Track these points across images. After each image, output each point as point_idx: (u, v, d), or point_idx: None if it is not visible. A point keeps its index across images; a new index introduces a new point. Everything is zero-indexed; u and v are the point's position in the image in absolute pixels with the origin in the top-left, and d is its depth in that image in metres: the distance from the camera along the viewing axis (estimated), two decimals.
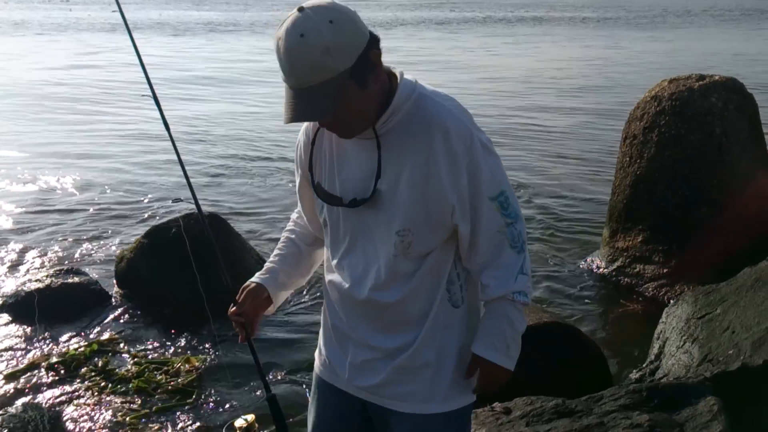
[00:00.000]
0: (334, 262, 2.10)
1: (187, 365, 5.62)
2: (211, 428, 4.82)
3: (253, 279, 2.26)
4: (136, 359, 5.78)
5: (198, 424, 4.89)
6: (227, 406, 5.12)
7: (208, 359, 5.76)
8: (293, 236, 2.34)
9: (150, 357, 5.86)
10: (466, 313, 2.07)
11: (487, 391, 2.06)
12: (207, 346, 5.99)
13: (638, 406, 3.90)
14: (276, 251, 2.35)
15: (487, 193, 1.87)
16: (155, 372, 5.52)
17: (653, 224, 6.75)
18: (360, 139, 1.88)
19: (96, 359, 5.77)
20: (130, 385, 5.31)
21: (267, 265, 2.30)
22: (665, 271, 6.58)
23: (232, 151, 12.42)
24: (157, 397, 5.20)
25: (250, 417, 2.24)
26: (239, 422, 2.23)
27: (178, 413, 5.01)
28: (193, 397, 5.20)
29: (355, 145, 1.91)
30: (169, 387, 5.30)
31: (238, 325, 2.20)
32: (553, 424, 3.87)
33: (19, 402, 5.00)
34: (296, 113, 1.67)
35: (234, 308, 2.21)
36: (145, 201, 9.76)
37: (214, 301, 4.36)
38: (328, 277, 2.18)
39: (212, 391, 5.30)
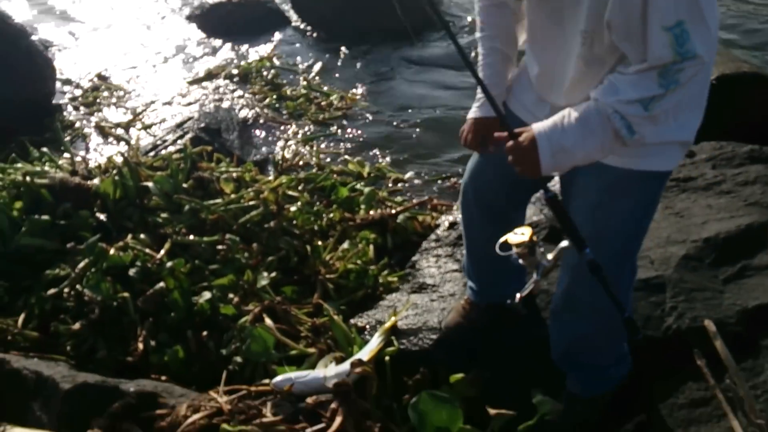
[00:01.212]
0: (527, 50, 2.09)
1: (344, 101, 5.73)
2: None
3: (474, 114, 2.30)
4: (305, 82, 6.03)
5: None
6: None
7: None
8: (494, 44, 2.25)
9: (318, 83, 6.03)
10: None
11: (515, 162, 1.87)
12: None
13: None
14: (481, 65, 2.26)
15: (660, 21, 1.61)
16: (313, 100, 5.79)
17: None
18: None
19: (267, 74, 6.10)
20: (287, 103, 5.68)
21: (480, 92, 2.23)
22: None
23: None
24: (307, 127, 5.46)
25: (527, 231, 2.04)
26: (515, 238, 2.07)
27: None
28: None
29: None
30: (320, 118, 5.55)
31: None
32: (744, 168, 3.51)
33: (209, 104, 5.48)
34: None
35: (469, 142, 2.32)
36: None
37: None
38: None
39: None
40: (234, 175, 4.04)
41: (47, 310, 3.10)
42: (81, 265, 3.18)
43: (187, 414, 2.35)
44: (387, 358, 2.67)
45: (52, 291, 3.14)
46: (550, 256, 2.02)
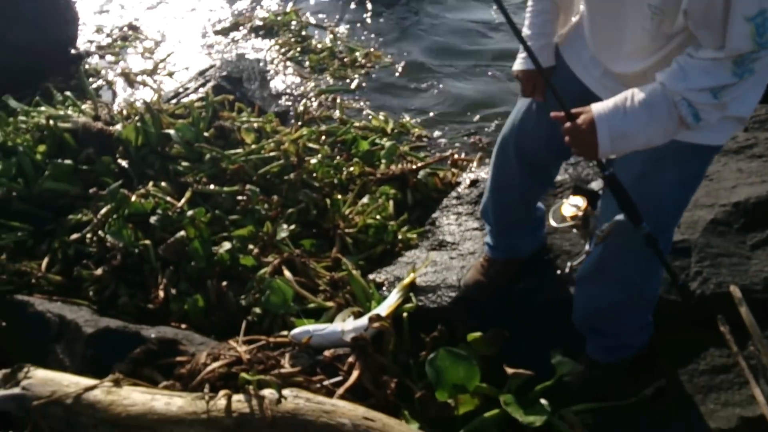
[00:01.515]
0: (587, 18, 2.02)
1: (368, 57, 5.69)
2: None
3: (520, 66, 2.25)
4: (331, 36, 6.00)
5: None
6: None
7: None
8: None
9: (345, 37, 6.02)
10: None
11: (572, 144, 1.83)
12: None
13: None
14: (530, 12, 2.22)
15: (743, 11, 1.54)
16: (338, 55, 5.74)
17: None
18: None
19: (294, 27, 6.09)
20: (310, 56, 5.65)
21: (532, 39, 2.17)
22: None
23: None
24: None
25: (582, 201, 2.00)
26: (569, 210, 2.00)
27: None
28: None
29: None
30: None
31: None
32: None
33: (232, 54, 5.48)
34: None
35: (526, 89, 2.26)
36: None
37: None
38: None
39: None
40: (255, 125, 4.04)
41: (70, 255, 3.16)
42: (103, 211, 3.22)
43: (206, 362, 2.40)
44: (405, 314, 2.70)
45: (74, 236, 3.20)
46: (604, 227, 1.98)
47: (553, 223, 2.03)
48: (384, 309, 2.68)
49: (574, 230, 2.03)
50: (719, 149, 2.00)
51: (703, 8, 1.60)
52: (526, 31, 2.20)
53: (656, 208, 1.96)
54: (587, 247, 2.04)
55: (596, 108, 1.77)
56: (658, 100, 1.70)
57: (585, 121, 1.76)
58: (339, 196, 3.64)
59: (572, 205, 1.99)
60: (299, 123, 4.52)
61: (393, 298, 2.75)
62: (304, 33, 6.01)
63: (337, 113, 4.77)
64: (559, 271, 2.13)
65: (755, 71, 1.62)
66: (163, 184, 3.47)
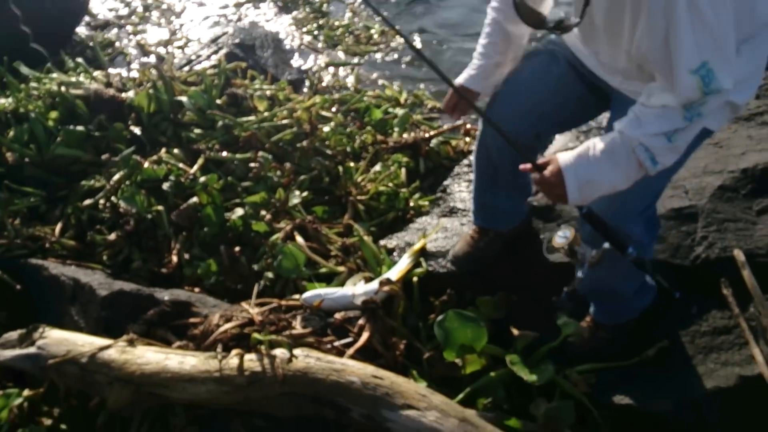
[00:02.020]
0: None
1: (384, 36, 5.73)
2: None
3: (462, 80, 2.39)
4: (351, 13, 6.06)
5: None
6: None
7: None
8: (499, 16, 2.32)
9: (364, 13, 6.05)
10: None
11: (543, 192, 1.97)
12: None
13: None
14: (483, 38, 2.37)
15: (686, 64, 1.68)
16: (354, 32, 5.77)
17: None
18: None
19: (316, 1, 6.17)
20: (326, 31, 5.68)
21: (475, 59, 2.38)
22: None
23: None
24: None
25: (570, 233, 2.13)
26: (559, 241, 2.13)
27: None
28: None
29: None
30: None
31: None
32: None
33: (245, 21, 5.55)
34: None
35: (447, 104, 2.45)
36: None
37: None
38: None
39: None
40: (268, 92, 4.10)
41: (83, 220, 3.26)
42: (116, 177, 3.31)
43: (219, 323, 2.49)
44: (415, 279, 2.78)
45: (87, 202, 3.29)
46: (593, 254, 2.12)
47: (545, 254, 2.17)
48: (394, 273, 2.76)
49: (567, 259, 2.18)
50: (709, 135, 2.08)
51: (650, 61, 1.79)
52: (477, 49, 2.38)
53: (639, 196, 2.07)
54: (579, 274, 2.21)
55: (562, 158, 1.90)
56: (617, 148, 1.83)
57: (552, 173, 1.89)
58: (351, 164, 3.71)
59: (562, 236, 2.13)
60: (313, 91, 4.59)
61: (403, 263, 2.83)
62: (323, 9, 6.09)
63: (351, 81, 4.83)
64: (554, 298, 2.29)
65: (703, 114, 1.75)
66: (175, 150, 3.55)
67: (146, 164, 3.35)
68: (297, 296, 2.75)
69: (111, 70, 4.32)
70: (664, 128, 1.78)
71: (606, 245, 2.06)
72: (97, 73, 4.16)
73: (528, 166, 1.95)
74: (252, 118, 3.79)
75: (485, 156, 2.53)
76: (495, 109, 2.40)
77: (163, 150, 3.53)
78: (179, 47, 5.31)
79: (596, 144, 1.87)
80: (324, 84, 4.77)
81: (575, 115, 2.41)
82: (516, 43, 2.35)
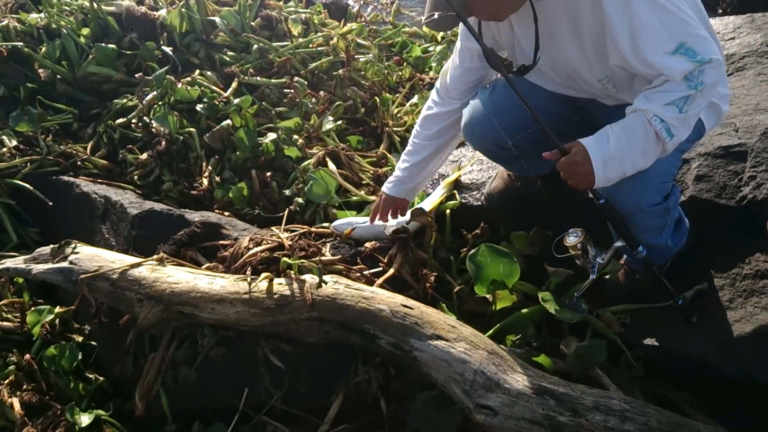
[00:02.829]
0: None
1: None
2: None
3: (387, 190, 2.59)
4: None
5: None
6: None
7: None
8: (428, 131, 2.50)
9: None
10: None
11: (567, 177, 2.01)
12: None
13: None
14: (408, 150, 2.55)
15: (662, 49, 1.85)
16: None
17: None
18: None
19: None
20: None
21: (398, 171, 2.57)
22: None
23: None
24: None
25: (581, 232, 2.19)
26: (571, 240, 2.16)
27: None
28: None
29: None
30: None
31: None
32: None
33: None
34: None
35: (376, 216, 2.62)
36: None
37: None
38: None
39: None
40: (303, 16, 4.07)
41: (115, 139, 3.30)
42: (149, 96, 3.33)
43: (249, 246, 2.53)
44: (448, 211, 2.78)
45: (120, 121, 3.33)
46: (605, 255, 2.20)
47: (555, 254, 2.19)
48: (428, 204, 2.77)
49: (577, 261, 2.18)
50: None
51: (634, 71, 1.94)
52: (403, 157, 2.56)
53: (654, 188, 2.15)
54: (591, 276, 2.22)
55: (583, 140, 1.97)
56: (634, 121, 1.93)
57: (578, 151, 1.96)
58: (388, 95, 3.69)
59: (573, 236, 2.14)
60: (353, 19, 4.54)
61: (437, 194, 2.83)
62: None
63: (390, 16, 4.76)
64: (567, 301, 2.33)
65: (706, 83, 1.86)
66: (208, 73, 3.56)
67: (180, 85, 3.36)
68: (327, 224, 2.77)
69: None
70: (671, 97, 1.88)
71: (617, 243, 2.17)
72: None
73: (554, 152, 2.00)
74: (287, 43, 3.77)
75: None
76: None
77: (197, 72, 3.54)
78: None
79: (613, 126, 1.96)
80: (361, 13, 4.71)
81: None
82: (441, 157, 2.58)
